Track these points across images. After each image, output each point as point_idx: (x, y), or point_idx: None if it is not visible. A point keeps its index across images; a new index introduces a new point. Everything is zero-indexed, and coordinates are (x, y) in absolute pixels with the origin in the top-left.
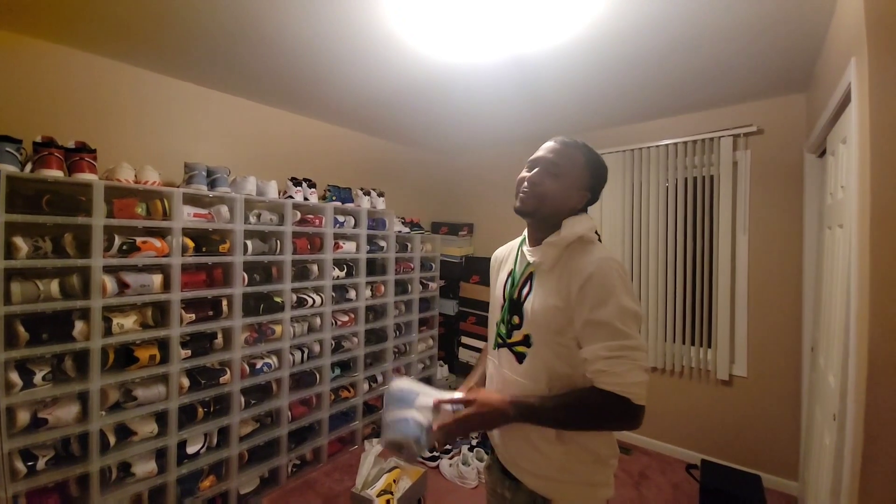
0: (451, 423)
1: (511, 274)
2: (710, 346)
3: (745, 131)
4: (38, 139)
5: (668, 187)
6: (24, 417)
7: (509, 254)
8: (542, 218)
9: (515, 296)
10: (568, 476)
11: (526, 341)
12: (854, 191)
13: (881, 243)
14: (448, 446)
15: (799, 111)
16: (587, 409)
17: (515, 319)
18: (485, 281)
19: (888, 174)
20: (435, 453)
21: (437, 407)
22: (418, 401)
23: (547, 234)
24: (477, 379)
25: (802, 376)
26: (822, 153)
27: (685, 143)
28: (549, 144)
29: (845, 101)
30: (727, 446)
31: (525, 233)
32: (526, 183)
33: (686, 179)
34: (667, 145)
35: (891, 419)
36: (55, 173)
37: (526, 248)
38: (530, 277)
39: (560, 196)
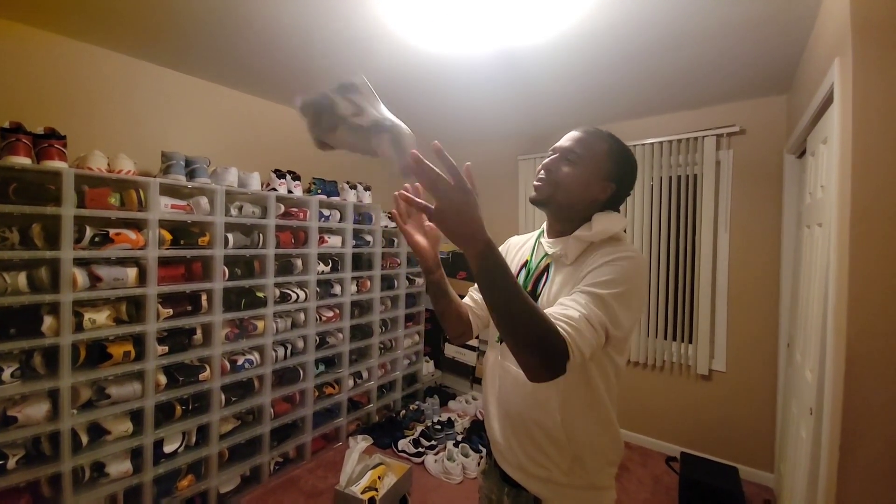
0: (436, 168)
1: (526, 265)
2: (690, 341)
3: (728, 131)
4: (6, 125)
5: (652, 185)
6: None
7: (525, 244)
8: (560, 207)
9: (529, 288)
10: (573, 479)
11: None
12: (834, 190)
13: (860, 241)
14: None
15: (780, 112)
16: (529, 317)
17: None
18: (472, 277)
19: (868, 174)
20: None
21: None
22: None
23: (568, 226)
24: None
25: (779, 371)
26: (802, 154)
27: (670, 141)
28: (572, 133)
29: (827, 101)
30: (706, 439)
31: (544, 225)
32: (542, 170)
33: (670, 178)
34: (652, 144)
35: (867, 412)
36: (23, 160)
37: (545, 240)
38: (546, 269)
39: (577, 184)
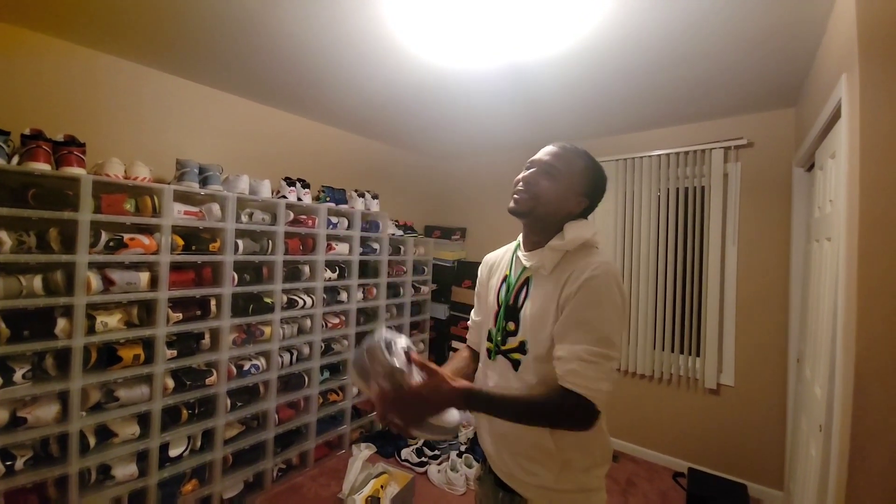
0: (397, 394)
1: (506, 279)
2: (698, 354)
3: (735, 144)
4: (27, 131)
5: (659, 197)
6: (2, 416)
7: (502, 259)
8: (537, 219)
9: (511, 301)
10: (563, 484)
11: (521, 348)
12: (843, 205)
13: (869, 256)
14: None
15: (788, 125)
16: (549, 406)
17: (511, 325)
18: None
19: (877, 189)
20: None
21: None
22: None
23: (543, 237)
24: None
25: (788, 387)
26: (811, 167)
27: (677, 153)
28: (549, 148)
29: (835, 116)
30: (714, 455)
31: (519, 238)
32: (521, 183)
33: (678, 190)
34: (659, 156)
35: (877, 430)
36: (42, 166)
37: (521, 253)
38: (527, 282)
39: (555, 198)
